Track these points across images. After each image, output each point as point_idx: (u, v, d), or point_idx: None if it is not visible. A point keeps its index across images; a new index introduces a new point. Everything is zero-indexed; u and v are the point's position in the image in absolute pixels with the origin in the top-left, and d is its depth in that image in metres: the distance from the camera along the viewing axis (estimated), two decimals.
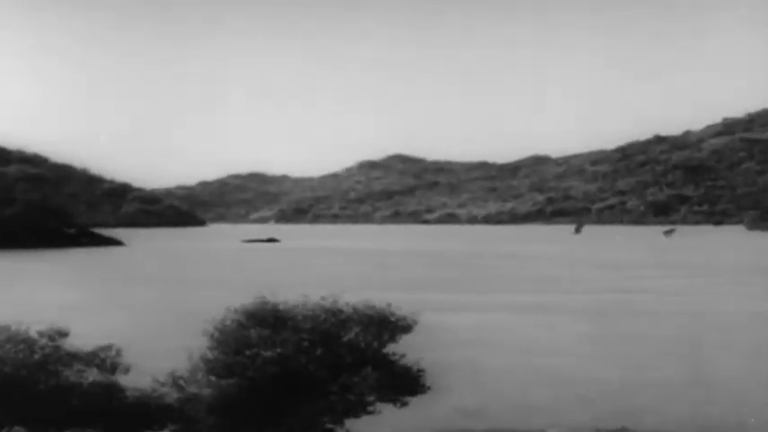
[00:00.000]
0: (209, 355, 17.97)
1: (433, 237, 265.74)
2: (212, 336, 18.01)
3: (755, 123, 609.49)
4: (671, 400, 27.76)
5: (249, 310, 18.28)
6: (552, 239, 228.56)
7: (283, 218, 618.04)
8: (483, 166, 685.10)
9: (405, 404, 18.89)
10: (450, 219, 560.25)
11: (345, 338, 18.00)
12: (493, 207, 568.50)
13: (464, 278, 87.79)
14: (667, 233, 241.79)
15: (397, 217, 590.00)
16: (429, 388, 19.04)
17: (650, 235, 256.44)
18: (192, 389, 17.63)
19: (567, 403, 27.30)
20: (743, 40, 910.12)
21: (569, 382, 30.98)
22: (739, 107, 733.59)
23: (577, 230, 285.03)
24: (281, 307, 18.28)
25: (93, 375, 17.28)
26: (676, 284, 76.52)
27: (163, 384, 17.84)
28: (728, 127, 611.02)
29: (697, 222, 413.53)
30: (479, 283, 79.68)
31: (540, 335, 44.01)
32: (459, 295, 66.72)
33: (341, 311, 18.28)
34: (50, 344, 17.57)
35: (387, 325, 18.42)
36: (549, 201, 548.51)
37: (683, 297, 64.51)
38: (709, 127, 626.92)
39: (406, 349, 19.02)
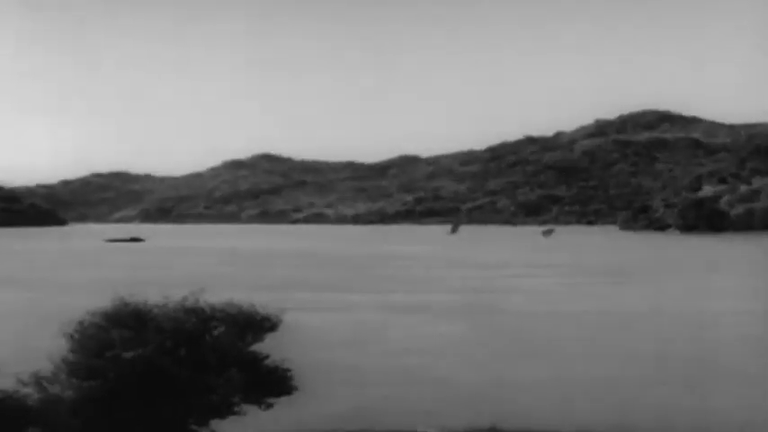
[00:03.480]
0: (71, 357, 17.54)
1: (301, 236, 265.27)
2: (72, 337, 17.58)
3: (628, 125, 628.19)
4: (539, 399, 28.16)
5: (110, 311, 17.87)
6: (426, 239, 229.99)
7: (147, 217, 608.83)
8: (351, 165, 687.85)
9: (270, 405, 18.79)
10: (319, 218, 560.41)
11: (209, 339, 17.81)
12: (362, 207, 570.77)
13: (332, 278, 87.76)
14: (546, 233, 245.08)
15: (263, 216, 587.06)
16: (296, 388, 18.97)
17: (527, 235, 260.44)
18: (55, 389, 17.19)
19: (437, 403, 27.47)
20: (615, 44, 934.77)
21: (438, 381, 31.19)
22: (612, 109, 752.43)
23: (453, 230, 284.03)
24: (142, 308, 17.95)
25: None
26: (550, 284, 77.84)
27: (25, 384, 17.34)
28: (601, 128, 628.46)
29: (569, 222, 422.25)
30: (348, 284, 79.71)
31: (408, 335, 44.20)
32: (326, 295, 66.63)
33: (204, 311, 18.06)
34: None
35: (251, 325, 18.29)
36: (419, 201, 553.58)
37: (555, 297, 65.56)
38: (581, 128, 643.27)
39: (272, 349, 18.89)
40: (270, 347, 18.86)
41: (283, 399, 18.97)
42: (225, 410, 17.96)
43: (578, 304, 59.70)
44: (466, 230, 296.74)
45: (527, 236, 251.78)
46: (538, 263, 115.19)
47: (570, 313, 54.28)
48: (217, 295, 19.05)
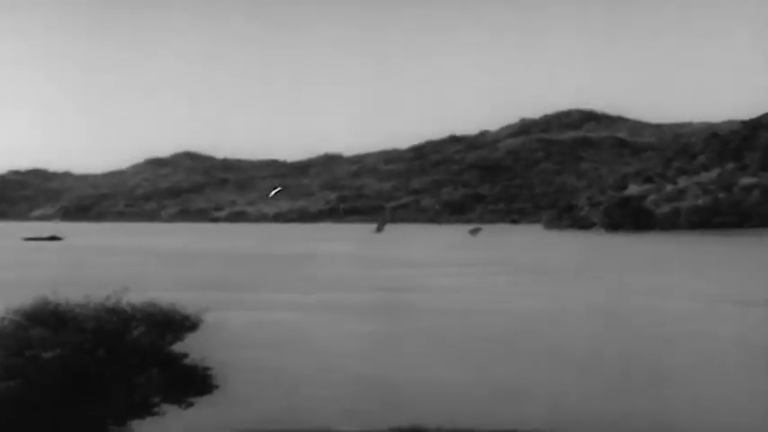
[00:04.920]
0: None
1: (222, 235, 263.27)
2: None
3: (552, 125, 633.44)
4: (461, 397, 28.40)
5: (29, 310, 17.76)
6: (350, 238, 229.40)
7: (66, 215, 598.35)
8: (273, 164, 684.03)
9: (190, 405, 18.80)
10: (240, 217, 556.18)
11: (129, 339, 17.77)
12: (284, 205, 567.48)
13: (254, 277, 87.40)
14: (473, 232, 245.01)
15: (184, 215, 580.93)
16: (216, 387, 18.99)
17: (452, 233, 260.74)
18: None
19: (359, 402, 27.61)
20: (540, 44, 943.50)
21: (360, 381, 31.33)
22: (537, 108, 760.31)
23: (379, 229, 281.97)
24: (63, 307, 17.86)
25: None
26: (475, 283, 78.36)
27: None
28: (526, 127, 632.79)
29: (493, 221, 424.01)
30: (270, 283, 79.47)
31: (331, 334, 44.29)
32: (247, 294, 66.36)
33: (124, 311, 18.01)
34: None
35: (171, 324, 18.29)
36: (342, 199, 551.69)
37: (480, 295, 66.01)
38: (506, 127, 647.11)
39: (194, 349, 18.91)
40: (191, 347, 18.87)
41: (207, 399, 19.02)
42: (145, 410, 17.94)
43: (503, 303, 60.26)
44: (391, 229, 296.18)
45: (453, 234, 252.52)
46: (464, 261, 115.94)
47: (494, 312, 54.77)
48: (137, 295, 19.00)
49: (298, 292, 69.21)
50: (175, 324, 18.32)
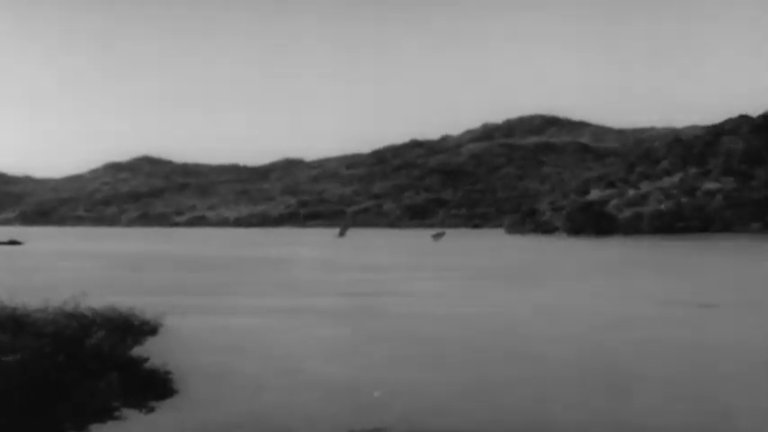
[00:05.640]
0: None
1: (182, 239, 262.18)
2: None
3: (515, 129, 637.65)
4: (425, 401, 28.40)
5: None
6: (312, 242, 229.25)
7: (26, 219, 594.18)
8: (234, 168, 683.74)
9: (152, 409, 18.69)
10: (200, 221, 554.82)
11: (89, 343, 17.61)
12: (244, 210, 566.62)
13: (215, 282, 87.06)
14: (436, 236, 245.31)
15: (144, 219, 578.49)
16: (177, 391, 18.89)
17: (415, 238, 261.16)
18: None
19: (322, 407, 27.55)
20: (501, 48, 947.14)
21: (323, 385, 31.25)
22: (499, 113, 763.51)
23: (342, 233, 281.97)
24: (19, 311, 17.66)
25: None
26: (438, 287, 78.46)
27: None
28: (488, 132, 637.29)
29: (456, 226, 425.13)
30: (230, 287, 79.20)
31: (293, 339, 44.17)
32: (208, 299, 66.06)
33: (84, 316, 17.85)
34: None
35: (131, 329, 18.17)
36: (303, 204, 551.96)
37: (443, 299, 66.02)
38: (468, 132, 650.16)
39: (154, 354, 18.79)
40: (152, 352, 18.75)
41: (169, 404, 18.92)
42: (105, 415, 17.80)
43: (466, 307, 60.37)
44: (353, 234, 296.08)
45: (415, 239, 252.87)
46: (426, 266, 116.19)
47: (458, 316, 54.87)
48: (97, 299, 18.84)
49: (260, 296, 68.99)
50: (135, 328, 18.22)
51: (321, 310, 58.26)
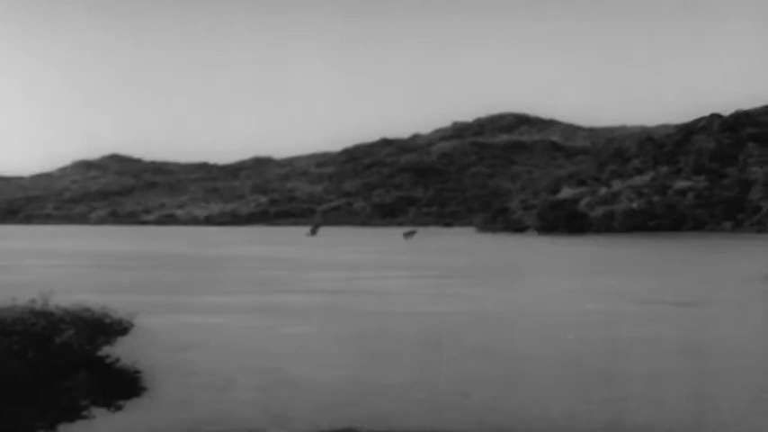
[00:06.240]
0: None
1: (153, 238, 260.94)
2: None
3: (485, 128, 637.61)
4: (396, 401, 28.37)
5: None
6: (283, 241, 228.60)
7: None
8: (203, 166, 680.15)
9: (120, 408, 18.65)
10: (170, 220, 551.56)
11: (58, 342, 17.53)
12: (214, 208, 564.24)
13: (186, 280, 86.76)
14: (407, 235, 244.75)
15: (113, 217, 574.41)
16: (145, 390, 18.86)
17: (386, 236, 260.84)
18: None
19: (294, 406, 27.52)
20: (471, 47, 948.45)
21: (295, 384, 31.23)
22: (469, 112, 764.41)
23: (313, 232, 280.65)
24: None
25: None
26: (410, 285, 78.50)
27: None
28: (458, 131, 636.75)
29: (426, 224, 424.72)
30: (200, 286, 78.99)
31: (265, 337, 44.12)
32: (178, 297, 65.83)
33: (52, 314, 17.76)
34: None
35: (101, 328, 18.08)
36: (273, 202, 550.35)
37: (415, 298, 66.01)
38: (438, 130, 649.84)
39: (124, 353, 18.75)
40: (121, 351, 18.69)
41: (137, 402, 18.89)
42: (74, 414, 17.73)
43: (435, 306, 60.46)
44: (325, 232, 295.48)
45: (387, 237, 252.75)
46: (398, 264, 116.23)
47: (428, 314, 54.91)
48: (66, 297, 18.77)
49: (230, 294, 68.85)
50: (105, 327, 18.13)
51: (292, 309, 58.22)
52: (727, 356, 37.98)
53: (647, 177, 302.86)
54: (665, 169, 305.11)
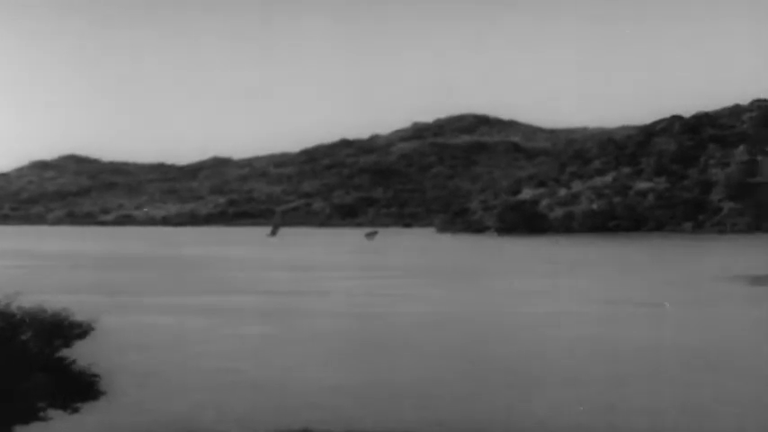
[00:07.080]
0: None
1: (110, 238, 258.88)
2: None
3: (445, 129, 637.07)
4: (351, 400, 28.44)
5: None
6: (243, 241, 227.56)
7: None
8: (161, 167, 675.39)
9: (76, 410, 18.52)
10: (127, 220, 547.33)
11: (17, 343, 17.36)
12: (172, 209, 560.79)
13: (141, 281, 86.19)
14: (369, 235, 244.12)
15: (71, 218, 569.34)
16: (103, 393, 18.74)
17: (347, 237, 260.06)
18: None
19: (250, 407, 27.46)
20: (431, 48, 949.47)
21: (251, 385, 31.23)
22: (429, 113, 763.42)
23: (273, 233, 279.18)
24: None
25: None
26: (366, 285, 78.64)
27: None
28: (418, 132, 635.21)
29: (386, 225, 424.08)
30: (158, 287, 78.54)
31: (218, 337, 44.01)
32: (135, 298, 65.47)
33: (12, 315, 17.60)
34: None
35: (60, 330, 17.92)
36: (232, 203, 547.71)
37: (372, 299, 66.04)
38: (398, 131, 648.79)
39: (82, 354, 18.62)
40: (78, 352, 18.55)
41: (94, 405, 18.75)
42: (31, 415, 17.57)
43: (398, 306, 60.52)
44: (285, 233, 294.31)
45: (348, 238, 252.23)
46: (359, 265, 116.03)
47: (386, 315, 54.98)
48: (24, 298, 18.60)
49: (188, 295, 68.54)
50: (64, 330, 17.97)
51: (251, 310, 58.08)
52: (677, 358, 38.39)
53: (607, 178, 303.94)
54: (626, 170, 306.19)
